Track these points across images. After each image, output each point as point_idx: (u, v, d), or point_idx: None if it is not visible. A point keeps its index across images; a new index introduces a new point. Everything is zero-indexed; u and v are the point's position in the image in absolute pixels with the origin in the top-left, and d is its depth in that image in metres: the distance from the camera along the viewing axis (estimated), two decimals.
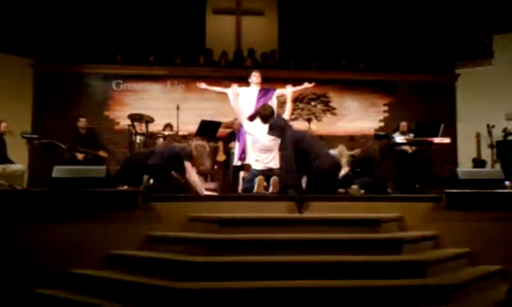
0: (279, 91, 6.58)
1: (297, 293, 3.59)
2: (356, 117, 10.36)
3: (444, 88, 10.50)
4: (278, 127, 5.57)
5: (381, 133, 9.19)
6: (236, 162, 6.65)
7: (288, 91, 6.36)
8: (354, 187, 5.65)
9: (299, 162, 5.28)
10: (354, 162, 6.26)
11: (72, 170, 5.02)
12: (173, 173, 5.62)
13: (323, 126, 10.06)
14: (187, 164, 5.43)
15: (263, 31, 10.93)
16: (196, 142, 5.70)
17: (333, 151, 6.06)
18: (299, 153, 5.30)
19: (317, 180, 5.28)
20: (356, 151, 6.52)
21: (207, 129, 7.19)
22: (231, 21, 10.88)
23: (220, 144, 8.27)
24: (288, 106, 6.23)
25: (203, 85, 6.81)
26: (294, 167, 5.24)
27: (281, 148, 5.52)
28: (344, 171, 6.03)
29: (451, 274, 4.09)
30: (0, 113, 7.92)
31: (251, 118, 6.18)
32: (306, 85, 6.74)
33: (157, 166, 5.52)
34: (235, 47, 10.71)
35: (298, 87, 6.68)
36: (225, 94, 6.58)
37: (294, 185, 5.12)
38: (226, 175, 8.05)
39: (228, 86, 6.61)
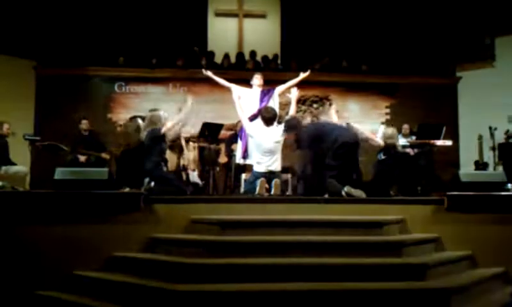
0: (279, 88, 6.67)
1: (299, 296, 3.59)
2: (358, 119, 10.29)
3: (446, 90, 10.48)
4: (291, 127, 5.77)
5: None
6: (239, 160, 6.67)
7: (293, 93, 6.42)
8: (358, 191, 5.32)
9: (322, 148, 5.50)
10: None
11: (74, 172, 5.01)
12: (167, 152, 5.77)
13: None
14: (165, 127, 5.58)
15: (265, 33, 10.96)
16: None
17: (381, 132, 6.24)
18: (321, 141, 5.49)
19: (342, 150, 5.37)
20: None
21: (209, 131, 7.19)
22: (233, 23, 10.91)
23: (222, 146, 8.26)
24: (293, 107, 6.31)
25: (209, 72, 6.84)
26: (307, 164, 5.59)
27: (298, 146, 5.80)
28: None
29: (453, 276, 4.08)
30: (2, 115, 7.94)
31: (251, 118, 6.23)
32: (302, 75, 6.81)
33: (155, 168, 5.53)
34: (237, 49, 10.72)
35: (297, 79, 6.76)
36: (229, 92, 6.64)
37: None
38: (228, 177, 8.03)
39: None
